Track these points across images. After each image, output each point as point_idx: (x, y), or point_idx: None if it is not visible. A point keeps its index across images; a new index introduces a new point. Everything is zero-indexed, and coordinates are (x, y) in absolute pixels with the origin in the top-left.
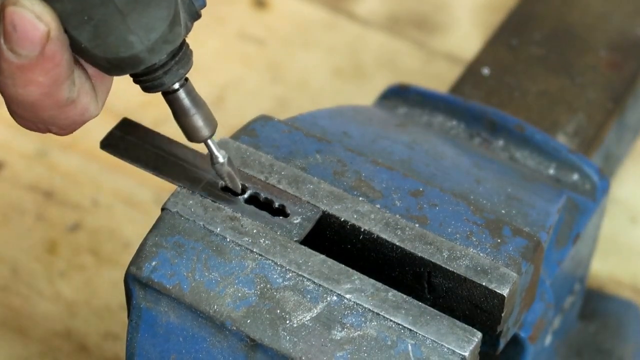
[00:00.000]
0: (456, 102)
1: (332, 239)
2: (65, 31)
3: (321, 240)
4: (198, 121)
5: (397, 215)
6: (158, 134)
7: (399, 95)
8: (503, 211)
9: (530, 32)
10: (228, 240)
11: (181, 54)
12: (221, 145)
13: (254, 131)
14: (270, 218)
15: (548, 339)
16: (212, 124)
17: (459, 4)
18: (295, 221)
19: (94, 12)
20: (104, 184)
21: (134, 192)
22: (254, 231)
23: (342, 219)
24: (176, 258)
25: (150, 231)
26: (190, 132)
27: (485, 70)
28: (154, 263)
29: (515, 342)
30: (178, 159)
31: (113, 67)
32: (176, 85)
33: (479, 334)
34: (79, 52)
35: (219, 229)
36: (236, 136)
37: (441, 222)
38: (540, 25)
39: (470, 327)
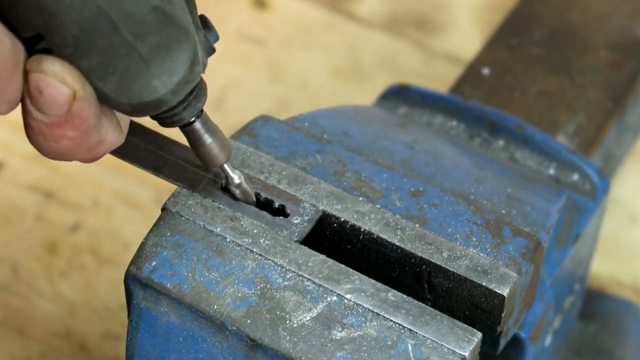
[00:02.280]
0: (456, 102)
1: (332, 239)
2: (90, 83)
3: (321, 241)
4: (214, 149)
5: (397, 216)
6: (158, 134)
7: (399, 95)
8: (503, 211)
9: (530, 32)
10: (228, 240)
11: (198, 89)
12: None
13: (254, 131)
14: (270, 218)
15: (548, 339)
16: (227, 149)
17: (459, 4)
18: (295, 221)
19: (119, 62)
20: (104, 184)
21: (134, 192)
22: (254, 231)
23: (342, 219)
24: (176, 258)
25: (150, 231)
26: (206, 160)
27: (485, 70)
28: (154, 263)
29: (516, 342)
30: (178, 159)
31: (136, 111)
32: (193, 118)
33: (479, 334)
34: (104, 101)
35: (219, 229)
36: (236, 136)
37: (441, 222)
38: (540, 25)
39: (470, 327)
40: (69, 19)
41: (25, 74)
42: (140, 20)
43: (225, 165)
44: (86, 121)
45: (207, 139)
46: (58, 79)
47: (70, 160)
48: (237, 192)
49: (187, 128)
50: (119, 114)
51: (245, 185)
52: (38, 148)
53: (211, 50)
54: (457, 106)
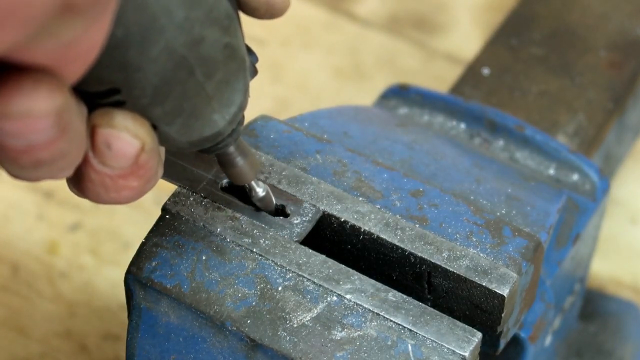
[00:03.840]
0: (456, 102)
1: (332, 239)
2: (154, 127)
3: (321, 241)
4: (244, 168)
5: (397, 216)
6: None
7: (399, 95)
8: (503, 211)
9: (530, 32)
10: (228, 240)
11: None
12: None
13: (254, 131)
14: (270, 218)
15: (548, 339)
16: (256, 168)
17: (459, 4)
18: (295, 221)
19: (188, 104)
20: None
21: None
22: (254, 231)
23: (342, 219)
24: (176, 258)
25: (151, 231)
26: (235, 179)
27: (485, 70)
28: (154, 263)
29: (516, 342)
30: (178, 159)
31: (193, 146)
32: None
33: (479, 334)
34: (163, 143)
35: (219, 229)
36: None
37: (441, 222)
38: (540, 26)
39: (471, 327)
40: (152, 71)
41: (92, 129)
42: (213, 61)
43: (252, 182)
44: (150, 170)
45: (240, 161)
46: (130, 134)
47: (122, 204)
48: (259, 204)
49: (223, 152)
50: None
51: (269, 196)
52: (94, 199)
53: (255, 73)
54: (457, 106)
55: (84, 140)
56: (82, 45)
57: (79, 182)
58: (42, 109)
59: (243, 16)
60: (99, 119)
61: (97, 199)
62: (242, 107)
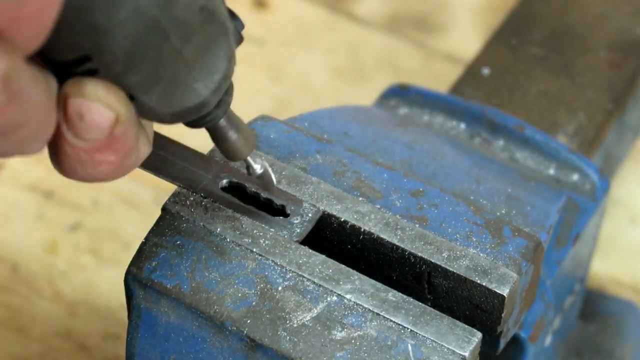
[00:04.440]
0: (456, 102)
1: (332, 239)
2: (132, 98)
3: (321, 241)
4: (238, 144)
5: (397, 216)
6: (158, 133)
7: (399, 95)
8: (503, 211)
9: (530, 32)
10: (228, 240)
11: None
12: None
13: (254, 131)
14: (271, 218)
15: (548, 339)
16: (251, 143)
17: (459, 4)
18: (295, 221)
19: (165, 71)
20: (104, 184)
21: (134, 192)
22: (254, 231)
23: (342, 219)
24: (176, 258)
25: (151, 231)
26: (230, 155)
27: (485, 70)
28: (154, 263)
29: (516, 342)
30: (178, 159)
31: (176, 118)
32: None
33: (479, 334)
34: (143, 114)
35: (219, 229)
36: None
37: (441, 222)
38: (540, 25)
39: (471, 327)
40: (122, 35)
41: (64, 100)
42: (188, 23)
43: (248, 157)
44: (127, 143)
45: (233, 135)
46: (102, 103)
47: (102, 182)
48: (257, 182)
49: (213, 125)
50: (147, 129)
51: (268, 173)
52: (72, 175)
53: (240, 39)
54: (457, 106)
55: (46, 111)
56: (34, 4)
57: (56, 157)
58: None
59: (239, 14)
60: (70, 88)
61: (74, 175)
62: (227, 75)
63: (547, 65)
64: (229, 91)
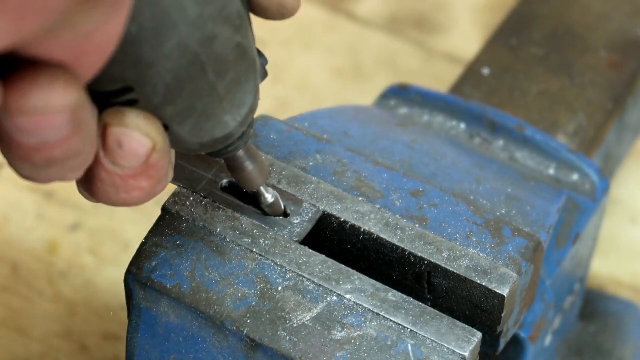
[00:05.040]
0: (456, 102)
1: (332, 239)
2: (166, 128)
3: (321, 241)
4: (253, 173)
5: (397, 216)
6: None
7: (399, 96)
8: (503, 211)
9: (530, 32)
10: (228, 240)
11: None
12: None
13: (254, 131)
14: (271, 218)
15: (548, 339)
16: (265, 173)
17: (459, 4)
18: (296, 221)
19: (200, 104)
20: None
21: None
22: (254, 231)
23: (342, 219)
24: (176, 258)
25: (151, 231)
26: (244, 183)
27: (485, 70)
28: (154, 263)
29: (516, 342)
30: (178, 159)
31: (204, 148)
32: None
33: (479, 334)
34: (175, 144)
35: (219, 229)
36: None
37: (441, 223)
38: (540, 25)
39: (471, 327)
40: (165, 68)
41: (103, 128)
42: (224, 59)
43: (262, 187)
44: (161, 170)
45: (249, 166)
46: (142, 133)
47: (133, 206)
48: (268, 210)
49: (232, 155)
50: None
51: (278, 202)
52: (104, 200)
53: (265, 75)
54: (457, 106)
55: (95, 139)
56: (99, 39)
57: (89, 183)
58: (57, 105)
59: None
60: (111, 118)
61: (107, 200)
62: (253, 109)
63: (547, 65)
64: (251, 124)
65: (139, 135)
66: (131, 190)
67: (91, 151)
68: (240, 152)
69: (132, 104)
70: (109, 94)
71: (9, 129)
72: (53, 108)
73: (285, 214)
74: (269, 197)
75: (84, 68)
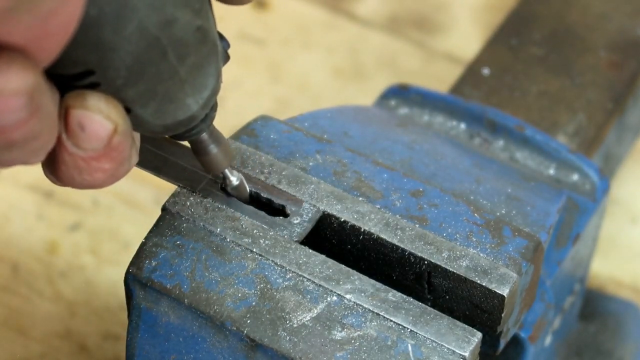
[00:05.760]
0: (456, 102)
1: (332, 239)
2: (128, 111)
3: (321, 241)
4: (218, 157)
5: (397, 216)
6: None
7: (399, 96)
8: (503, 211)
9: (530, 32)
10: (228, 240)
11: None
12: None
13: (254, 131)
14: (271, 218)
15: (548, 339)
16: (229, 156)
17: (459, 4)
18: (295, 221)
19: (161, 87)
20: None
21: (134, 192)
22: (254, 231)
23: (342, 219)
24: (176, 258)
25: (150, 231)
26: (209, 167)
27: (485, 70)
28: (154, 263)
29: (516, 342)
30: (178, 159)
31: (167, 131)
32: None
33: (479, 334)
34: (138, 127)
35: (219, 229)
36: (236, 136)
37: (441, 222)
38: (540, 25)
39: (471, 328)
40: (125, 51)
41: (65, 111)
42: (185, 43)
43: (226, 170)
44: (123, 152)
45: (213, 149)
46: (103, 115)
47: (96, 189)
48: (233, 193)
49: (196, 138)
50: (135, 138)
51: (242, 185)
52: (68, 182)
53: (227, 58)
54: (457, 106)
55: (55, 122)
56: (57, 21)
57: (52, 165)
58: (13, 88)
59: (239, 14)
60: (73, 101)
61: (71, 183)
62: (215, 91)
63: (547, 65)
64: (214, 107)
65: (100, 118)
66: (93, 172)
67: (51, 134)
68: (204, 135)
69: (93, 87)
70: (71, 77)
71: None
72: (9, 91)
73: (285, 214)
74: (234, 179)
75: (43, 51)
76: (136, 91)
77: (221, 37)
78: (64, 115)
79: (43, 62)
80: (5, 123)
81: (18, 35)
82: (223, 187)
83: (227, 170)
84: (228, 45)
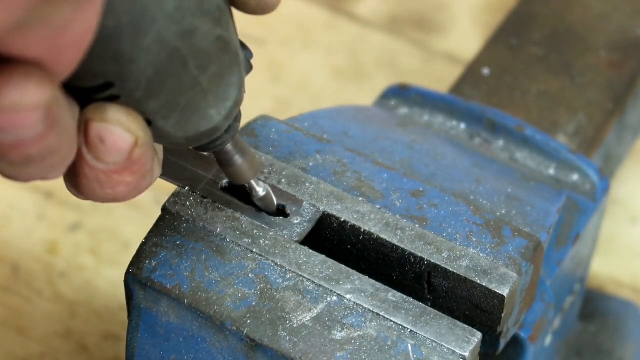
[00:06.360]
0: (456, 102)
1: (332, 239)
2: (149, 123)
3: (321, 241)
4: (243, 167)
5: (397, 216)
6: None
7: (399, 96)
8: (503, 211)
9: (530, 32)
10: (228, 240)
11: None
12: None
13: (254, 131)
14: (270, 218)
15: (548, 339)
16: (255, 167)
17: (459, 4)
18: (295, 221)
19: (183, 98)
20: None
21: None
22: (254, 231)
23: (342, 219)
24: (176, 258)
25: (151, 231)
26: (234, 178)
27: (485, 70)
28: (154, 263)
29: (516, 342)
30: (178, 159)
31: (190, 142)
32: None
33: (479, 334)
34: (160, 139)
35: (219, 230)
36: None
37: (441, 223)
38: (540, 25)
39: (471, 328)
40: (145, 62)
41: (85, 124)
42: (206, 52)
43: (252, 181)
44: (144, 165)
45: (238, 160)
46: (123, 127)
47: (119, 202)
48: (259, 204)
49: (220, 150)
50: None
51: (269, 196)
52: (90, 196)
53: (250, 68)
54: (457, 106)
55: (74, 137)
56: (73, 33)
57: (74, 179)
58: (31, 103)
59: (239, 14)
60: (92, 114)
61: (93, 197)
62: (238, 102)
63: (547, 65)
64: (237, 117)
65: (120, 131)
66: (116, 186)
67: (70, 149)
68: (229, 146)
69: (113, 99)
70: (90, 90)
71: None
72: (26, 106)
73: (285, 214)
74: (260, 190)
75: (60, 64)
76: (157, 103)
77: (244, 46)
78: (83, 128)
79: (60, 75)
80: (22, 138)
81: (33, 48)
82: (225, 188)
83: (253, 182)
84: (251, 55)
